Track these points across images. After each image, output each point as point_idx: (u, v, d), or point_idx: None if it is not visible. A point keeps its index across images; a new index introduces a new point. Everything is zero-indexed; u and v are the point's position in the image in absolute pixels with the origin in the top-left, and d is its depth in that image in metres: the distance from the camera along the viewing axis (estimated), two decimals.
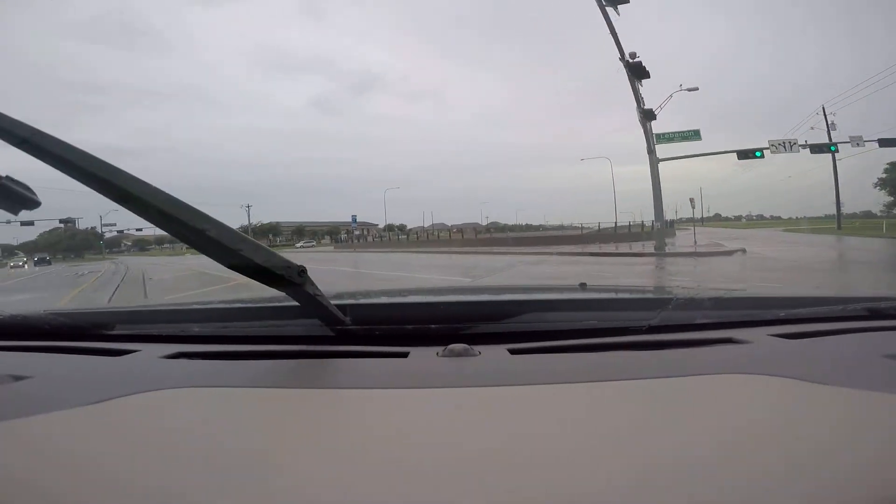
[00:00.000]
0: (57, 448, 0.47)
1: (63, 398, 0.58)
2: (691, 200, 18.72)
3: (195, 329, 0.88)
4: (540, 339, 0.79)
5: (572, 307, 0.97)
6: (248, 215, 61.36)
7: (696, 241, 17.86)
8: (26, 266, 43.54)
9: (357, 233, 53.42)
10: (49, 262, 49.47)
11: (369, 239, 50.83)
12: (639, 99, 15.95)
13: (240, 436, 0.50)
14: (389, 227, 77.03)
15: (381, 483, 0.39)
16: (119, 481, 0.40)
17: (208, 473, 0.41)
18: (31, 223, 36.23)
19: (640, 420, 0.51)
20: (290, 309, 0.81)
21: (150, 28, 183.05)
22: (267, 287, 0.70)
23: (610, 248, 19.15)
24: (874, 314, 0.90)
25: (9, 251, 68.95)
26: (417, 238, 42.26)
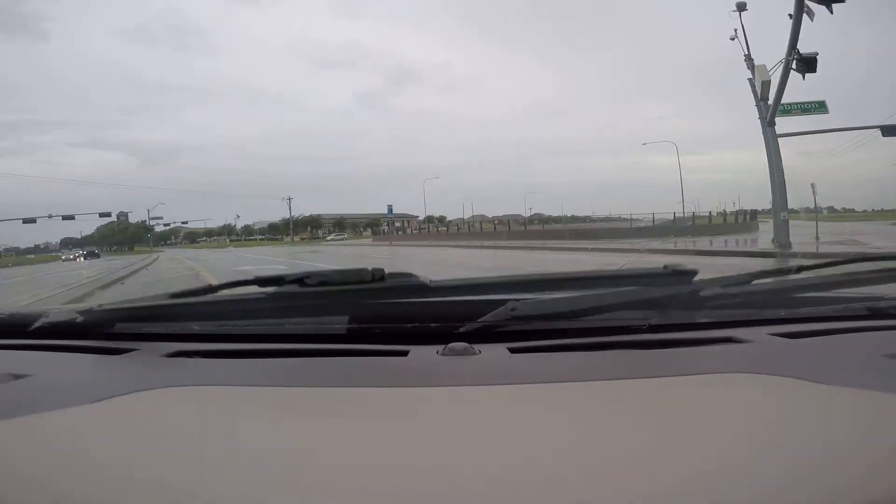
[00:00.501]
0: (56, 447, 0.47)
1: (62, 396, 0.58)
2: (812, 186, 14.68)
3: (195, 327, 0.88)
4: (540, 337, 0.78)
5: (572, 306, 0.92)
6: (290, 208, 60.79)
7: (818, 238, 13.70)
8: (79, 259, 44.70)
9: (397, 225, 51.26)
10: (98, 256, 50.16)
11: (409, 231, 48.29)
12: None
13: (240, 434, 0.50)
14: (429, 219, 74.55)
15: (381, 481, 0.39)
16: (119, 480, 0.40)
17: (209, 472, 0.41)
18: (71, 217, 36.01)
19: (641, 419, 0.51)
20: (290, 307, 0.83)
21: (199, 29, 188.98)
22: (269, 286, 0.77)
23: (699, 243, 15.61)
24: (875, 313, 0.90)
25: (67, 244, 71.24)
26: (458, 230, 39.45)
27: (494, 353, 0.73)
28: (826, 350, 0.75)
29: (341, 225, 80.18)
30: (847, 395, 0.54)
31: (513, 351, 0.74)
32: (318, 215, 77.50)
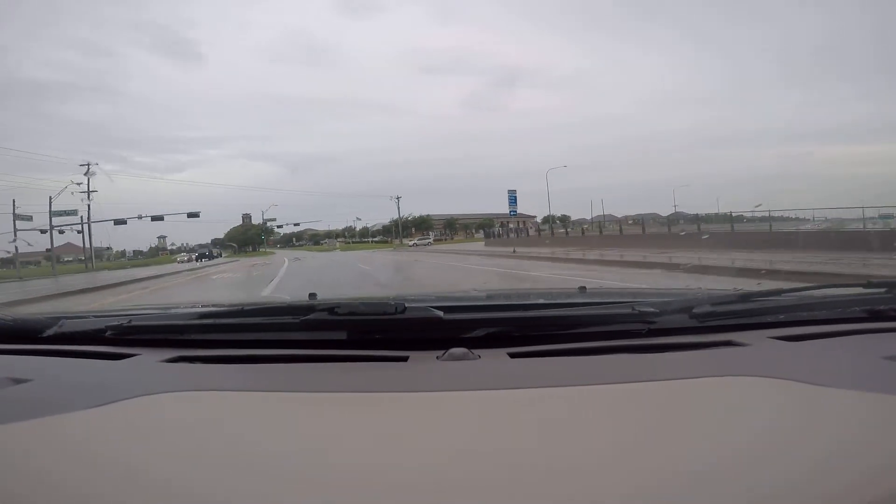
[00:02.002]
0: (57, 451, 0.47)
1: (63, 402, 0.59)
2: None
3: (195, 333, 0.88)
4: (539, 342, 0.79)
5: (571, 311, 0.95)
6: (398, 207, 57.81)
7: None
8: (197, 261, 46.43)
9: (511, 226, 44.41)
10: (210, 257, 51.30)
11: (530, 233, 40.86)
12: None
13: (239, 440, 0.50)
14: (548, 219, 65.95)
15: (381, 485, 0.39)
16: (119, 484, 0.40)
17: (209, 476, 0.41)
18: (160, 218, 36.80)
19: (640, 423, 0.51)
20: (290, 314, 0.83)
21: (323, 46, 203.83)
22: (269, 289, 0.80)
23: None
24: (873, 316, 0.90)
25: (186, 248, 74.33)
26: (583, 232, 30.50)
27: (494, 358, 0.73)
28: (824, 353, 0.74)
29: (452, 226, 76.00)
30: (846, 398, 0.54)
31: (513, 356, 0.73)
32: (428, 216, 74.10)
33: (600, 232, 28.96)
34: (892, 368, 0.64)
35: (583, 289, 1.29)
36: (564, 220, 65.71)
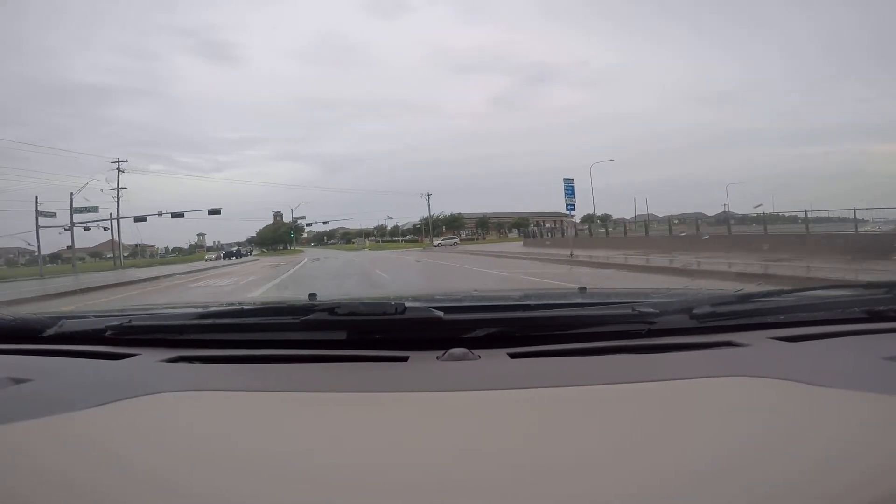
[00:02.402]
0: (57, 451, 0.47)
1: (63, 402, 0.59)
2: None
3: (195, 333, 0.88)
4: (540, 343, 0.79)
5: (571, 311, 0.95)
6: (429, 205, 55.75)
7: None
8: (225, 259, 46.13)
9: (548, 226, 41.43)
10: (237, 255, 49.81)
11: (566, 233, 37.58)
12: None
13: (239, 439, 0.50)
14: (589, 218, 62.09)
15: (381, 484, 0.39)
16: (119, 484, 0.40)
17: (208, 476, 0.42)
18: (181, 215, 35.80)
19: (640, 423, 0.51)
20: (290, 314, 0.84)
21: (355, 47, 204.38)
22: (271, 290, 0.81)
23: None
24: (873, 316, 0.89)
25: (217, 246, 73.86)
26: (625, 232, 26.46)
27: (494, 359, 0.73)
28: (825, 353, 0.74)
29: (484, 225, 73.08)
30: (846, 398, 0.54)
31: (513, 356, 0.73)
32: (459, 214, 70.91)
33: (646, 232, 24.78)
34: (892, 369, 0.64)
35: (583, 289, 1.27)
36: (606, 219, 61.81)
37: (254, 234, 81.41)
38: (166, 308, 1.13)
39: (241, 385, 0.66)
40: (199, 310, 0.97)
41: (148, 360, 0.78)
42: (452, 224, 67.83)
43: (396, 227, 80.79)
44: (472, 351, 0.74)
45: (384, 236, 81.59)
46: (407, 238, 75.08)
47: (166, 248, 79.40)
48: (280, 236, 71.61)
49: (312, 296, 1.12)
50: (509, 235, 67.67)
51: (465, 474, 0.40)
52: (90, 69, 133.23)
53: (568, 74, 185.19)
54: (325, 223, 55.88)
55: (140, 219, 34.33)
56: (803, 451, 0.43)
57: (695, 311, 0.84)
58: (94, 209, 31.68)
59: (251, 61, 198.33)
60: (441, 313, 0.79)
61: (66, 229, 31.26)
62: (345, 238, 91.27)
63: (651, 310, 0.81)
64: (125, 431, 0.53)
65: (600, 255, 15.08)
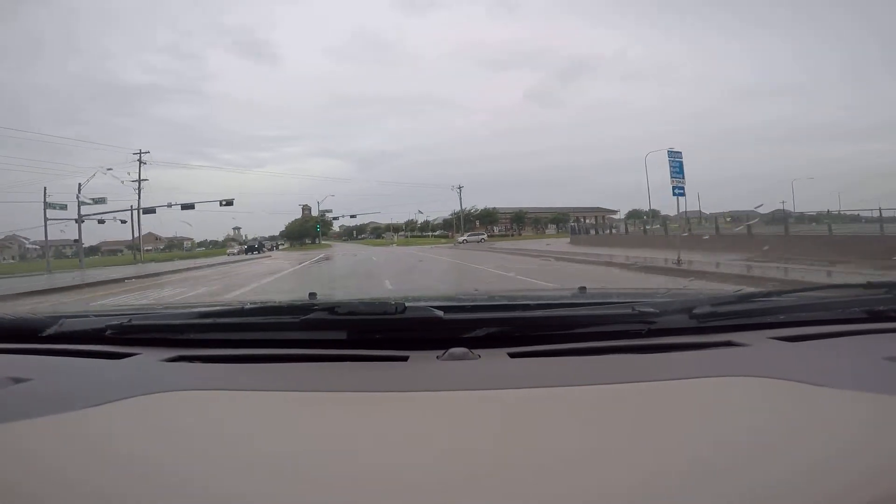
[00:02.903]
0: (57, 450, 0.47)
1: (63, 401, 0.59)
2: None
3: (195, 333, 0.88)
4: (539, 342, 0.79)
5: (571, 311, 0.95)
6: (460, 197, 52.14)
7: None
8: (246, 253, 44.26)
9: (588, 221, 37.16)
10: (258, 250, 47.11)
11: (613, 231, 32.99)
12: None
13: (239, 439, 0.50)
14: (635, 213, 56.69)
15: (381, 483, 0.39)
16: (119, 482, 0.40)
17: (208, 475, 0.42)
18: (191, 206, 33.83)
19: (640, 422, 0.51)
20: (290, 313, 0.84)
21: (387, 44, 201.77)
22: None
23: None
24: (873, 316, 0.89)
25: (242, 241, 70.67)
26: (665, 230, 21.60)
27: (494, 358, 0.73)
28: (825, 353, 0.74)
29: (520, 219, 68.80)
30: (846, 398, 0.54)
31: (513, 356, 0.74)
32: (494, 209, 66.57)
33: (690, 231, 20.79)
34: (892, 369, 0.64)
35: (583, 289, 1.26)
36: (654, 215, 56.43)
37: (284, 228, 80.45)
38: (166, 307, 1.12)
39: (241, 385, 0.66)
40: (200, 309, 0.97)
41: (148, 360, 0.78)
42: (486, 218, 63.78)
43: (427, 222, 77.81)
44: (472, 351, 0.74)
45: (412, 231, 78.70)
46: (437, 233, 72.06)
47: (203, 241, 79.19)
48: (307, 230, 68.89)
49: (312, 295, 1.11)
50: (546, 232, 63.31)
51: (465, 473, 0.40)
52: (140, 69, 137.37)
53: (606, 68, 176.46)
54: (352, 216, 53.45)
55: (149, 210, 32.74)
56: (803, 450, 0.43)
57: (695, 311, 0.83)
58: (101, 200, 30.00)
59: (286, 60, 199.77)
60: (441, 313, 0.79)
61: (78, 221, 29.83)
62: (375, 233, 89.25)
63: (651, 310, 0.81)
64: (125, 431, 0.53)
65: (714, 260, 9.53)
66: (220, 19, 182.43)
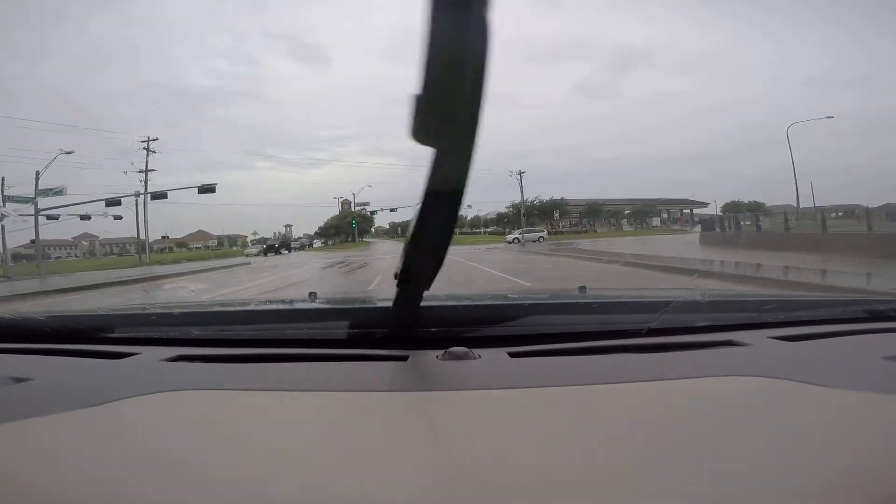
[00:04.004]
0: (57, 450, 0.47)
1: (63, 400, 0.59)
2: None
3: (195, 332, 0.88)
4: (540, 342, 0.78)
5: (572, 310, 0.95)
6: (521, 187, 42.41)
7: None
8: (265, 255, 38.86)
9: (685, 211, 26.27)
10: (279, 251, 39.96)
11: (755, 225, 21.80)
12: None
13: (240, 438, 0.50)
14: (733, 206, 44.91)
15: (381, 484, 0.39)
16: (119, 484, 0.40)
17: (209, 475, 0.42)
18: (164, 195, 28.49)
19: (641, 423, 0.51)
20: (291, 313, 0.85)
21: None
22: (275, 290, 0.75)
23: None
24: (873, 316, 0.89)
25: (270, 238, 63.39)
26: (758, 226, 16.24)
27: (494, 358, 0.72)
28: (825, 353, 0.74)
29: (595, 211, 57.49)
30: (846, 398, 0.54)
31: (513, 355, 0.73)
32: (562, 199, 54.48)
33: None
34: (893, 369, 0.64)
35: (583, 288, 1.24)
36: (757, 208, 43.70)
37: (324, 224, 73.27)
38: (167, 307, 1.12)
39: (241, 384, 0.66)
40: (200, 308, 0.98)
41: (148, 359, 0.78)
42: (548, 212, 51.86)
43: (478, 218, 68.11)
44: (473, 350, 0.73)
45: (461, 228, 69.18)
46: (490, 230, 62.62)
47: (229, 238, 74.07)
48: (345, 227, 58.21)
49: (312, 294, 1.11)
50: (625, 228, 51.84)
51: (464, 473, 0.40)
52: (204, 75, 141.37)
53: (664, 57, 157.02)
54: (391, 210, 45.13)
55: (113, 203, 26.15)
56: (804, 450, 0.43)
57: (695, 311, 0.84)
58: (59, 191, 23.56)
59: (337, 62, 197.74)
60: (442, 312, 0.79)
61: (82, 218, 24.25)
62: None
63: (651, 309, 0.82)
64: (126, 431, 0.53)
65: None
66: (274, 25, 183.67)
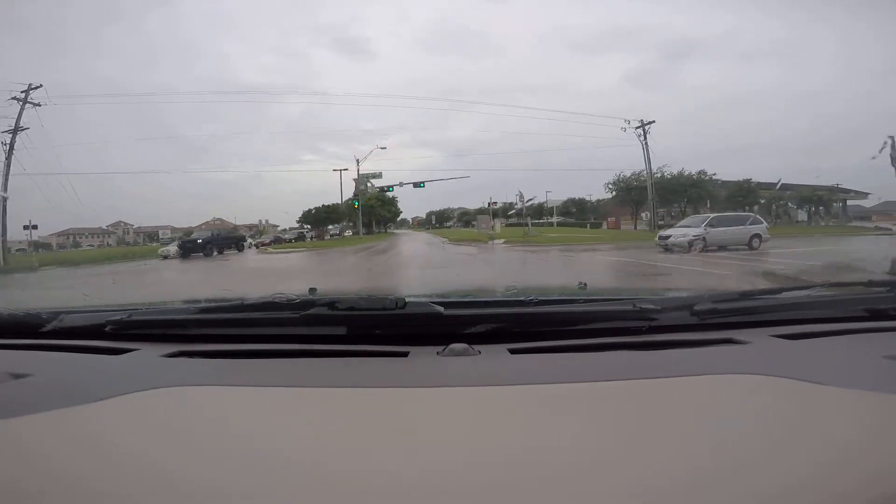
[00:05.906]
0: (57, 446, 0.47)
1: (63, 396, 0.59)
2: None
3: (195, 328, 0.88)
4: (540, 339, 0.79)
5: (572, 308, 0.94)
6: (645, 142, 24.91)
7: None
8: (183, 257, 21.97)
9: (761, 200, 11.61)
10: (208, 251, 20.90)
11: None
12: None
13: (239, 434, 0.50)
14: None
15: (380, 479, 0.39)
16: (119, 478, 0.40)
17: (208, 470, 0.42)
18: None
19: (640, 420, 0.51)
20: (290, 309, 0.83)
21: (472, 33, 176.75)
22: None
23: None
24: (873, 315, 0.89)
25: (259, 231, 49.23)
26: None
27: (495, 354, 0.73)
28: (825, 351, 0.74)
29: (750, 193, 38.53)
30: (846, 396, 0.54)
31: (513, 352, 0.73)
32: (705, 173, 34.11)
33: None
34: (893, 367, 0.64)
35: (583, 285, 1.24)
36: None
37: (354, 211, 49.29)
38: (166, 303, 1.11)
39: (241, 380, 0.66)
40: (199, 304, 0.96)
41: (148, 355, 0.78)
42: (686, 193, 31.45)
43: (541, 205, 50.08)
44: (473, 346, 0.73)
45: (518, 217, 50.45)
46: (558, 220, 45.48)
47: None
48: (345, 213, 34.47)
49: (312, 290, 1.09)
50: (660, 223, 33.13)
51: (464, 469, 0.40)
52: (253, 70, 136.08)
53: (716, 49, 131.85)
54: (416, 185, 28.25)
55: None
56: (803, 449, 0.42)
57: (695, 308, 0.83)
58: None
59: (380, 55, 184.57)
60: (441, 308, 0.79)
61: None
62: (462, 220, 64.40)
63: (651, 306, 0.80)
64: (125, 426, 0.52)
65: None
66: (318, 19, 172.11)
